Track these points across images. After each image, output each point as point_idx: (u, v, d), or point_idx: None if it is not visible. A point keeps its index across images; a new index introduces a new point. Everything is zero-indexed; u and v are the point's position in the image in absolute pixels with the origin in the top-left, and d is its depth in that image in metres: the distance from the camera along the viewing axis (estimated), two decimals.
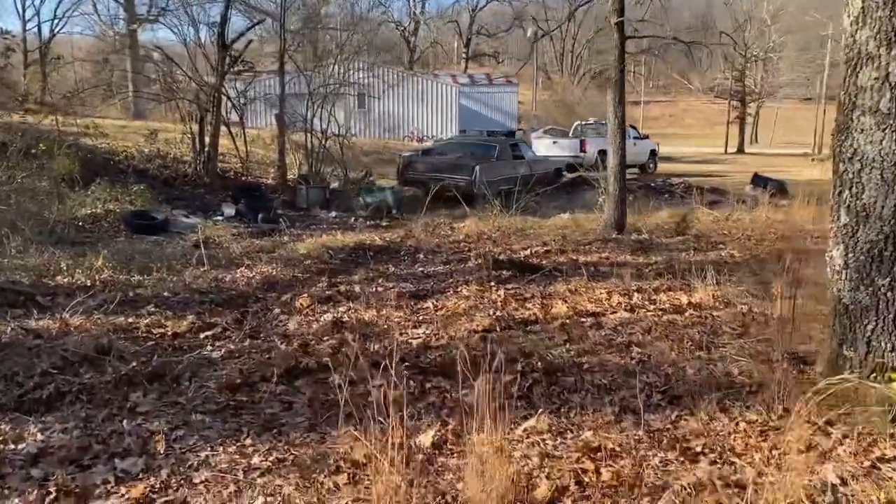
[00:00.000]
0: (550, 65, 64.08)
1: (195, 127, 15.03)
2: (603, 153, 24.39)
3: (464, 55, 57.66)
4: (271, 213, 12.86)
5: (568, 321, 5.42)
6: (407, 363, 4.57)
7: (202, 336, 5.23)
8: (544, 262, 7.87)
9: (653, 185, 18.37)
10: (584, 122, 27.37)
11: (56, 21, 40.80)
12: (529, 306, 5.85)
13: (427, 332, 5.32)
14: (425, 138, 35.28)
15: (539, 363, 4.44)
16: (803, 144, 59.00)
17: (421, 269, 7.90)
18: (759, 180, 18.86)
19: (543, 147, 23.64)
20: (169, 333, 5.28)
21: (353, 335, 5.00)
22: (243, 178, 15.98)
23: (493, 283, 6.71)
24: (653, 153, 26.95)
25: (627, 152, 25.78)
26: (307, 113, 15.63)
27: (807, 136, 60.92)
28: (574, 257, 8.05)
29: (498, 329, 5.33)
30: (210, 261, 8.11)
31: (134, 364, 4.33)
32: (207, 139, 14.81)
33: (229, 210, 13.08)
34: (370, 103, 34.87)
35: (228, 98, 15.66)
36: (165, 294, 6.43)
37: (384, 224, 13.12)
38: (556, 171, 19.32)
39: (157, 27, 40.52)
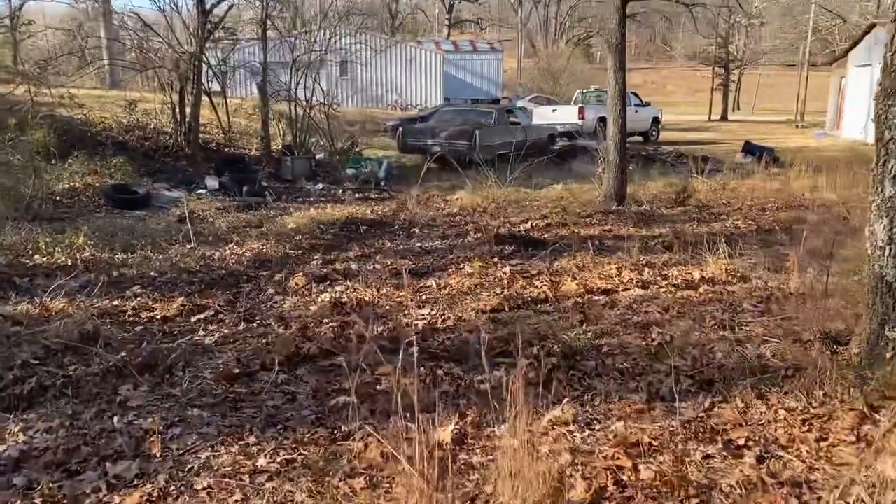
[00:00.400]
0: (534, 32, 63.24)
1: (175, 97, 14.51)
2: (602, 121, 24.16)
3: (446, 22, 56.69)
4: (256, 185, 12.45)
5: (580, 300, 5.15)
6: (415, 347, 4.29)
7: (193, 320, 4.91)
8: (546, 235, 7.60)
9: (644, 153, 18.12)
10: (585, 90, 27.11)
11: None
12: (537, 284, 5.58)
13: (432, 312, 5.04)
14: (409, 107, 34.72)
15: (556, 346, 4.17)
16: (785, 111, 58.91)
17: (418, 244, 7.59)
18: (750, 148, 18.65)
19: (543, 114, 23.55)
20: (158, 317, 4.96)
21: (356, 317, 4.72)
22: (226, 150, 15.51)
23: (496, 259, 6.43)
24: (655, 120, 26.57)
25: (629, 120, 25.56)
26: (290, 81, 15.14)
27: (788, 103, 60.84)
28: (576, 230, 7.78)
29: (507, 309, 5.06)
30: (197, 237, 7.75)
31: (122, 354, 4.02)
32: (188, 109, 14.31)
33: (213, 183, 12.66)
34: (353, 71, 34.20)
35: (209, 66, 15.11)
36: (152, 274, 6.09)
37: (373, 196, 12.76)
38: (550, 137, 19.49)
39: None
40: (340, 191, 13.12)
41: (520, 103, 31.67)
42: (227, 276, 6.13)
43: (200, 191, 12.39)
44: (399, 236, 8.31)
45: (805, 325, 4.24)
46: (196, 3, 14.04)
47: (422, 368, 3.97)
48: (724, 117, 55.24)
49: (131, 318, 4.93)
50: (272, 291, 5.65)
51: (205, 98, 15.02)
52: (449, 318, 4.94)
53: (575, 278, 5.65)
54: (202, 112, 15.01)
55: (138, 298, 5.34)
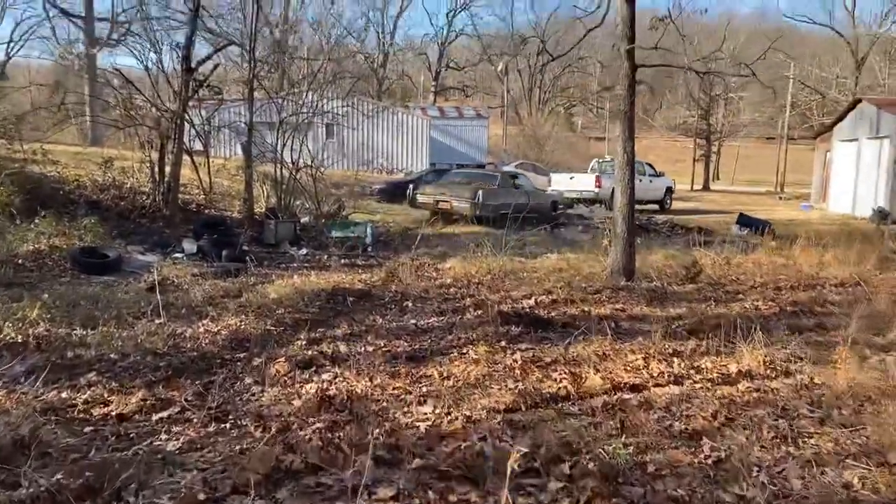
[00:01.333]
0: (518, 100, 64.00)
1: (155, 155, 13.90)
2: None
3: (432, 88, 57.23)
4: (237, 250, 11.74)
5: (608, 397, 4.46)
6: (419, 460, 3.56)
7: (155, 418, 4.15)
8: (553, 314, 6.93)
9: (638, 223, 17.63)
10: (602, 160, 28.18)
11: (12, 45, 39.28)
12: (556, 376, 4.88)
13: (437, 411, 4.31)
14: (396, 171, 34.41)
15: (592, 464, 3.46)
16: (763, 182, 59.62)
17: (413, 321, 6.88)
18: (745, 221, 18.31)
19: (560, 181, 24.97)
20: (113, 414, 4.19)
21: (348, 418, 3.99)
22: (206, 212, 14.83)
23: (503, 343, 5.74)
24: (669, 190, 27.83)
25: (645, 189, 25.97)
26: (277, 142, 14.61)
27: (765, 174, 61.62)
28: (586, 309, 7.13)
29: (523, 408, 4.35)
30: (167, 310, 6.99)
31: (60, 475, 3.23)
32: (168, 168, 13.69)
33: (190, 246, 11.94)
34: (339, 134, 33.96)
35: (192, 125, 14.56)
36: (112, 356, 5.31)
37: (360, 263, 12.10)
38: (553, 204, 20.25)
39: (118, 52, 39.11)
40: (325, 257, 12.44)
41: (506, 168, 31.59)
42: (198, 360, 5.36)
43: (177, 255, 11.68)
44: (391, 311, 7.60)
45: (884, 438, 3.57)
46: (181, 61, 13.57)
47: (429, 491, 3.24)
48: (706, 187, 55.69)
49: (81, 416, 4.16)
50: (250, 380, 4.89)
51: (186, 157, 14.42)
52: (457, 417, 4.22)
53: (597, 370, 4.96)
54: (183, 172, 14.40)
55: (92, 388, 4.56)
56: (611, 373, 4.91)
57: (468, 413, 4.28)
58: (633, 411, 4.22)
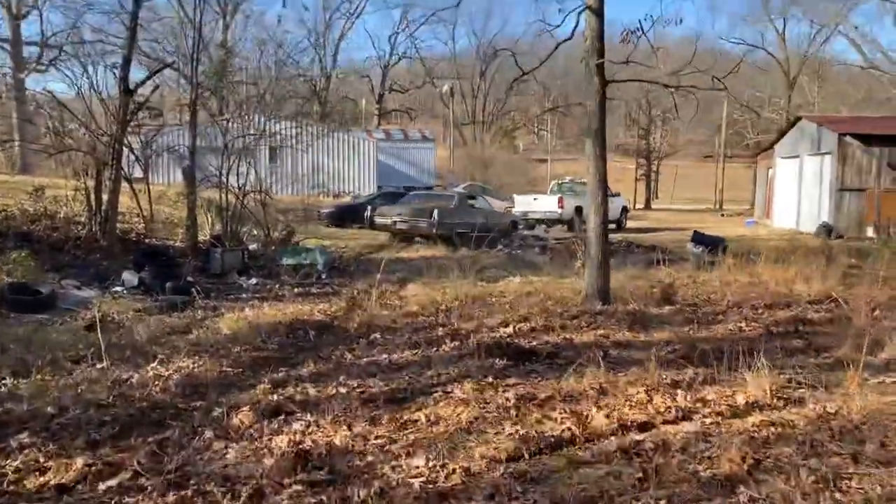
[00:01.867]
0: (463, 122, 64.08)
1: (91, 182, 13.04)
2: (579, 210, 24.83)
3: (376, 111, 56.84)
4: (181, 281, 11.01)
5: (616, 438, 4.02)
6: None
7: (102, 488, 3.51)
8: (535, 343, 6.49)
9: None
10: (561, 181, 28.86)
11: None
12: (556, 416, 4.41)
13: (430, 463, 3.79)
14: (342, 194, 33.76)
15: None
16: (701, 200, 60.94)
17: (385, 356, 6.34)
18: (700, 238, 18.28)
19: (524, 203, 25.40)
20: (52, 485, 3.54)
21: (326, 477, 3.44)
22: (147, 241, 13.97)
23: (489, 379, 5.25)
24: (624, 209, 28.78)
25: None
26: (222, 167, 13.91)
27: (702, 192, 63.03)
28: (567, 336, 6.70)
29: (527, 455, 3.87)
30: (110, 352, 6.29)
31: None
32: (105, 196, 12.85)
33: (131, 279, 11.13)
34: (284, 158, 33.16)
35: (131, 150, 13.75)
36: (49, 410, 4.62)
37: (315, 291, 11.49)
38: (513, 224, 20.77)
39: (49, 77, 37.57)
40: (277, 286, 11.78)
41: (454, 189, 31.32)
42: (148, 411, 4.72)
43: (117, 288, 10.88)
44: (358, 345, 7.04)
45: None
46: (118, 82, 12.81)
47: None
48: (647, 206, 56.63)
49: (12, 489, 3.49)
50: (210, 434, 4.28)
51: (124, 184, 13.59)
52: (454, 470, 3.71)
53: (599, 406, 4.52)
54: (121, 199, 13.56)
55: (25, 453, 3.89)
56: (614, 409, 4.48)
57: (466, 464, 3.78)
58: (651, 455, 3.78)
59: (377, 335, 7.34)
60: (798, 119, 27.57)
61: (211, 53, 17.19)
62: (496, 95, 63.60)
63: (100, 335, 6.48)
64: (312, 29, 52.73)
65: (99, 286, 10.81)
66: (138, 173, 14.75)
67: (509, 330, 6.93)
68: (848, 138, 22.73)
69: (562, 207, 24.39)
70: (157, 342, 7.32)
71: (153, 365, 5.81)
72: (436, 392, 5.05)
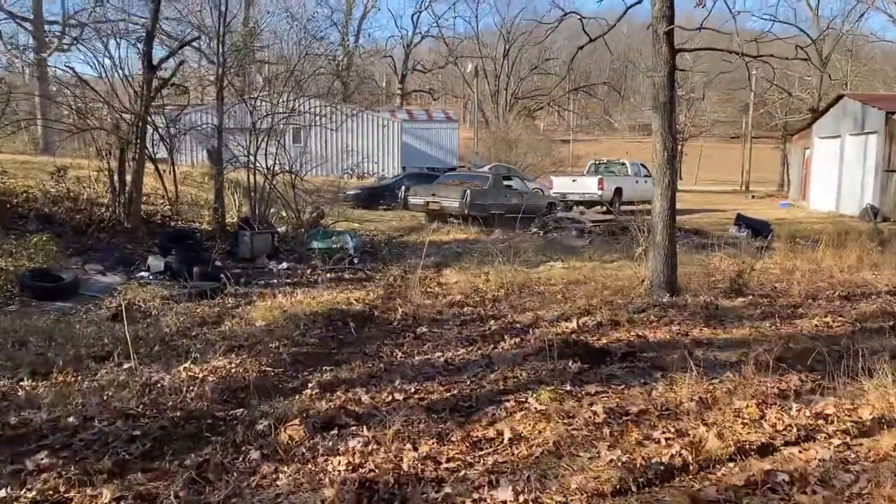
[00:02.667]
0: (483, 103, 63.07)
1: (114, 163, 12.51)
2: (618, 192, 24.25)
3: (398, 91, 56.00)
4: (209, 266, 10.45)
5: (736, 466, 3.37)
6: None
7: None
8: (605, 341, 5.84)
9: (626, 225, 16.70)
10: (598, 161, 28.16)
11: None
12: (658, 436, 3.77)
13: (520, 498, 3.17)
14: (367, 175, 33.13)
15: None
16: (726, 181, 59.51)
17: (439, 354, 5.72)
18: (745, 222, 17.48)
19: (563, 184, 24.96)
20: None
21: None
22: (173, 224, 13.45)
23: (567, 386, 4.62)
24: None
25: (643, 190, 26.19)
26: (249, 146, 13.31)
27: (727, 174, 61.58)
28: (640, 333, 6.04)
29: (634, 488, 3.24)
30: (137, 346, 5.74)
31: None
32: (129, 177, 12.32)
33: (157, 263, 10.61)
34: (308, 138, 32.54)
35: (155, 129, 13.19)
36: (71, 420, 4.06)
37: (348, 277, 10.91)
38: (550, 206, 20.30)
39: (72, 56, 37.13)
40: (309, 271, 11.21)
41: (479, 171, 30.63)
42: (183, 423, 4.14)
43: (142, 273, 10.36)
44: (405, 339, 6.44)
45: None
46: (141, 58, 12.22)
47: None
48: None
49: None
50: (256, 454, 3.69)
51: (149, 165, 13.06)
52: None
53: (706, 424, 3.87)
54: (145, 180, 13.04)
55: (44, 477, 3.33)
56: (724, 427, 3.83)
57: (562, 499, 3.16)
58: (788, 491, 3.13)
59: (424, 328, 6.73)
60: (840, 97, 26.47)
61: (235, 30, 16.58)
62: (519, 75, 62.53)
63: (126, 328, 5.93)
64: (336, 7, 51.94)
65: (123, 271, 10.30)
66: (163, 154, 14.19)
67: (572, 325, 6.28)
68: None
69: (602, 189, 23.93)
70: (188, 335, 6.78)
71: (186, 365, 5.23)
72: (506, 401, 4.42)
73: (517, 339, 5.89)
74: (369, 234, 15.42)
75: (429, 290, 9.30)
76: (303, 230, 13.23)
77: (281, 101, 13.76)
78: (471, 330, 6.61)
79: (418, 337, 6.48)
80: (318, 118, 14.42)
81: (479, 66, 46.17)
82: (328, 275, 10.88)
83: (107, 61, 12.65)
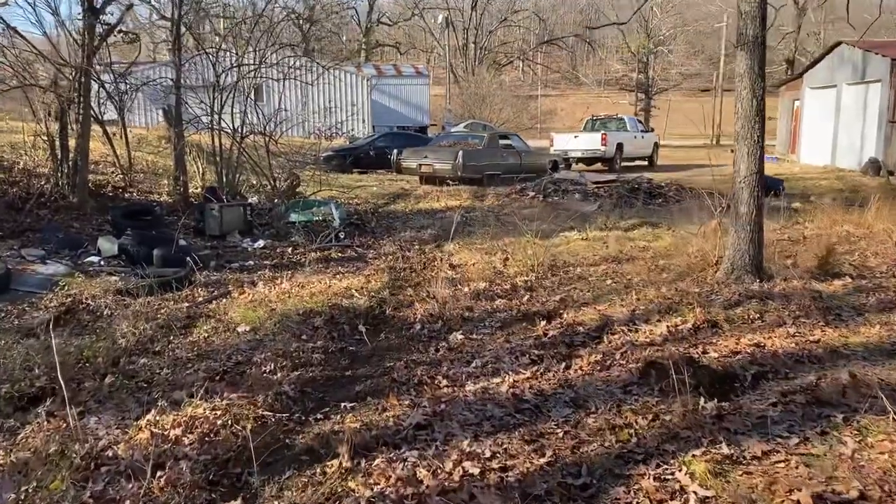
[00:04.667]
0: (453, 57, 60.82)
1: (54, 126, 10.64)
2: (620, 147, 23.10)
3: (363, 46, 53.44)
4: (173, 247, 8.75)
5: None
6: None
7: None
8: (717, 355, 4.38)
9: (637, 186, 15.29)
10: (595, 117, 27.25)
11: None
12: None
13: None
14: (336, 135, 31.16)
15: None
16: (698, 135, 58.45)
17: (497, 380, 4.19)
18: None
19: (565, 141, 23.65)
20: None
21: None
22: (127, 196, 11.63)
23: (723, 447, 3.14)
24: (656, 145, 27.15)
25: (638, 146, 25.19)
26: (213, 104, 11.51)
27: (697, 128, 60.48)
28: (754, 340, 4.59)
29: None
30: (80, 375, 4.14)
31: None
32: (72, 142, 10.47)
33: (110, 246, 8.92)
34: (269, 96, 30.39)
35: (101, 85, 11.28)
36: None
37: (338, 256, 9.35)
38: (553, 165, 19.36)
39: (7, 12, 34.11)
40: (290, 249, 9.62)
41: (453, 129, 29.05)
42: None
43: (92, 258, 8.69)
44: (437, 351, 4.94)
45: None
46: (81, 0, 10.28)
47: None
48: None
49: None
50: None
51: (96, 128, 11.18)
52: None
53: None
54: (93, 146, 11.18)
55: None
56: None
57: None
58: None
59: (459, 335, 5.21)
60: (837, 44, 25.17)
61: None
62: (487, 28, 60.32)
63: (56, 355, 4.31)
64: None
65: (69, 256, 8.60)
66: (112, 114, 12.28)
67: (659, 329, 4.81)
68: None
69: (605, 144, 22.83)
70: (150, 349, 5.20)
71: (150, 417, 3.64)
72: (638, 475, 2.95)
73: (597, 356, 4.40)
74: (351, 202, 13.78)
75: (443, 274, 7.78)
76: (278, 201, 11.53)
77: (247, 51, 11.91)
78: (519, 336, 5.12)
79: (454, 348, 4.97)
80: (289, 71, 12.55)
81: (448, 17, 43.90)
82: (312, 254, 9.28)
83: (48, 17, 10.70)
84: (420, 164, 17.31)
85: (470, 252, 8.83)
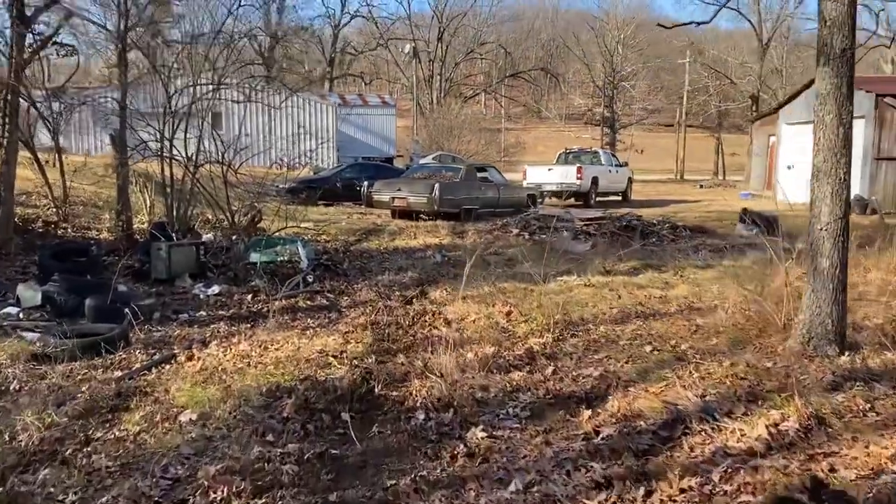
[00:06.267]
0: (418, 88, 60.04)
1: None
2: (595, 181, 22.25)
3: (327, 75, 52.26)
4: (109, 296, 7.30)
5: None
6: None
7: None
8: (842, 470, 3.15)
9: (625, 223, 14.23)
10: (568, 149, 26.77)
11: None
12: None
13: None
14: (299, 165, 29.73)
15: None
16: (660, 171, 58.32)
17: None
18: (752, 217, 15.21)
19: (537, 175, 22.78)
20: None
21: None
22: (61, 233, 10.11)
23: None
24: (630, 180, 26.63)
25: (612, 180, 24.36)
26: (163, 128, 10.10)
27: (659, 162, 60.42)
28: (886, 450, 3.37)
29: None
30: None
31: None
32: None
33: (32, 294, 7.47)
34: (229, 124, 28.93)
35: (33, 104, 9.81)
36: None
37: (304, 304, 8.00)
38: (531, 199, 18.44)
39: None
40: (250, 297, 8.23)
41: (422, 161, 28.04)
42: None
43: (8, 309, 7.22)
44: (453, 460, 3.62)
45: None
46: (8, 6, 8.86)
47: None
48: None
49: None
50: None
51: (25, 153, 9.67)
52: None
53: None
54: (21, 174, 9.66)
55: None
56: None
57: None
58: None
59: (477, 431, 3.91)
60: (814, 80, 24.73)
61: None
62: (455, 59, 59.78)
63: None
64: None
65: None
66: (46, 140, 10.78)
67: (757, 430, 3.55)
68: (889, 100, 19.96)
69: (581, 178, 21.97)
70: (58, 453, 3.79)
71: None
72: None
73: (689, 478, 3.12)
74: (320, 239, 12.43)
75: (434, 329, 6.47)
76: (237, 238, 10.10)
77: (203, 70, 10.56)
78: (560, 433, 3.84)
79: (477, 453, 3.65)
80: (250, 94, 11.26)
81: (416, 47, 43.03)
82: (278, 302, 7.90)
83: None
84: (393, 198, 16.17)
85: (464, 302, 7.54)
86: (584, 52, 64.51)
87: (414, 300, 8.06)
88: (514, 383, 4.75)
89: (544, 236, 13.54)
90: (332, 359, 5.42)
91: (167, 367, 5.60)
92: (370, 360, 5.45)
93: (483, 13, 61.07)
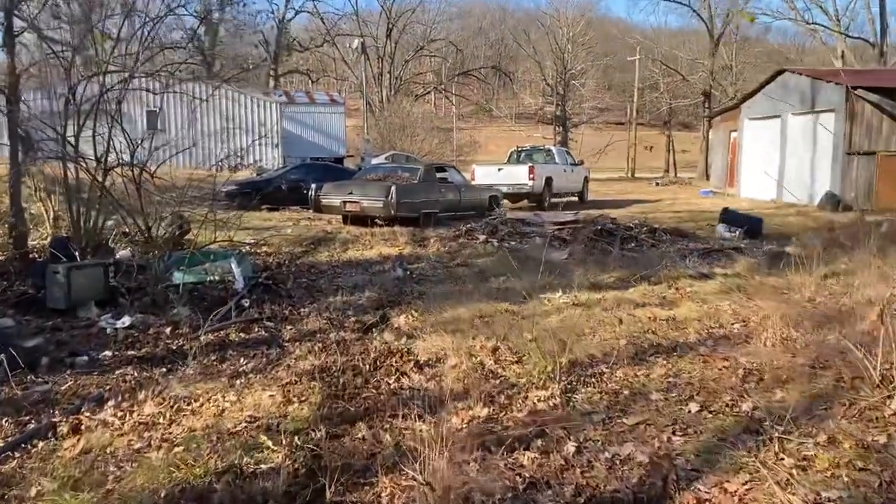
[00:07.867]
0: (367, 86, 58.27)
1: None
2: (549, 182, 20.83)
3: (272, 72, 50.10)
4: None
5: None
6: None
7: None
8: None
9: (601, 226, 12.94)
10: (520, 147, 25.27)
11: None
12: None
13: None
14: (241, 167, 27.83)
15: None
16: (612, 168, 57.79)
17: None
18: (733, 218, 14.10)
19: (487, 174, 21.18)
20: None
21: None
22: None
23: None
24: (586, 180, 25.19)
25: (569, 179, 22.69)
26: (66, 126, 8.37)
27: (610, 160, 59.99)
28: None
29: None
30: None
31: None
32: None
33: None
34: (167, 122, 26.87)
35: None
36: None
37: (237, 337, 6.47)
38: (492, 201, 17.13)
39: None
40: (169, 330, 6.66)
41: (374, 161, 26.59)
42: None
43: None
44: None
45: None
46: None
47: None
48: None
49: None
50: None
51: None
52: None
53: None
54: None
55: None
56: None
57: None
58: None
59: None
60: (779, 73, 23.98)
61: None
62: (404, 57, 58.24)
63: None
64: None
65: None
66: None
67: None
68: (861, 92, 19.18)
69: (533, 178, 20.32)
70: None
71: None
72: None
73: None
74: (260, 252, 10.82)
75: (403, 377, 5.00)
76: (157, 254, 8.37)
77: (113, 56, 8.86)
78: None
79: None
80: (172, 81, 9.63)
81: (364, 43, 41.32)
82: (204, 336, 6.33)
83: None
84: (345, 202, 14.57)
85: (437, 334, 6.08)
86: (535, 50, 63.59)
87: (373, 328, 6.61)
88: (525, 474, 3.32)
89: (514, 243, 12.19)
90: (264, 437, 3.90)
91: (41, 444, 4.07)
92: (318, 434, 3.95)
93: (432, 10, 59.69)
